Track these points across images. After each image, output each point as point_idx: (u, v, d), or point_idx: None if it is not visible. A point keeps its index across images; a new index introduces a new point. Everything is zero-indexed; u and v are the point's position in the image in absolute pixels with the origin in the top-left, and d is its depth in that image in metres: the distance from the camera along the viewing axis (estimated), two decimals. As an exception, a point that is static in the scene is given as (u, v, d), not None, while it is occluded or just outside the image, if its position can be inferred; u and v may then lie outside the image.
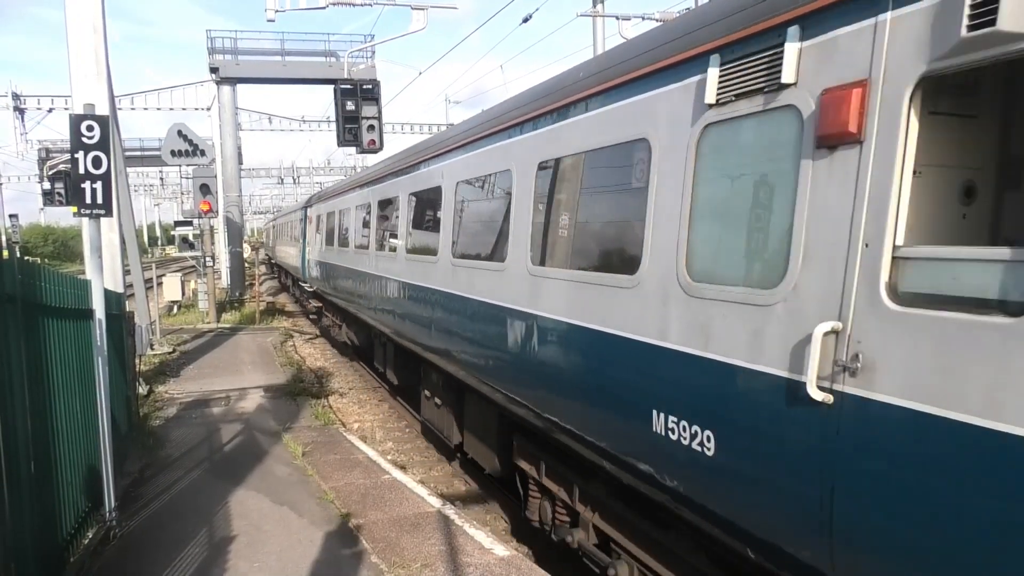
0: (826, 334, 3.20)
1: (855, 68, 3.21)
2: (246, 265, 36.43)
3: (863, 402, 3.07)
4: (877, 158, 3.08)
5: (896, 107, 3.01)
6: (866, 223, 3.10)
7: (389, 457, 10.08)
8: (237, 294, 30.40)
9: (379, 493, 7.93)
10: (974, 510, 2.66)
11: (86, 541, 6.34)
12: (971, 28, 2.66)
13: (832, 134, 3.25)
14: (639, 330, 4.62)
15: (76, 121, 6.47)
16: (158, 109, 38.85)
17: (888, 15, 3.07)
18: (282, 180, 70.50)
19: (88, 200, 6.52)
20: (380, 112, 15.06)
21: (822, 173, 3.33)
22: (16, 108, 38.87)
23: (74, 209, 6.64)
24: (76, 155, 6.46)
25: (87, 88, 13.25)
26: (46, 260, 53.09)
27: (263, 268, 51.00)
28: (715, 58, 3.96)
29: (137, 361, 12.29)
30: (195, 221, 23.05)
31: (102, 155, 6.50)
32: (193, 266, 27.04)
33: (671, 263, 4.32)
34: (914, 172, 3.06)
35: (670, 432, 4.27)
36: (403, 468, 9.52)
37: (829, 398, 3.20)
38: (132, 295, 16.59)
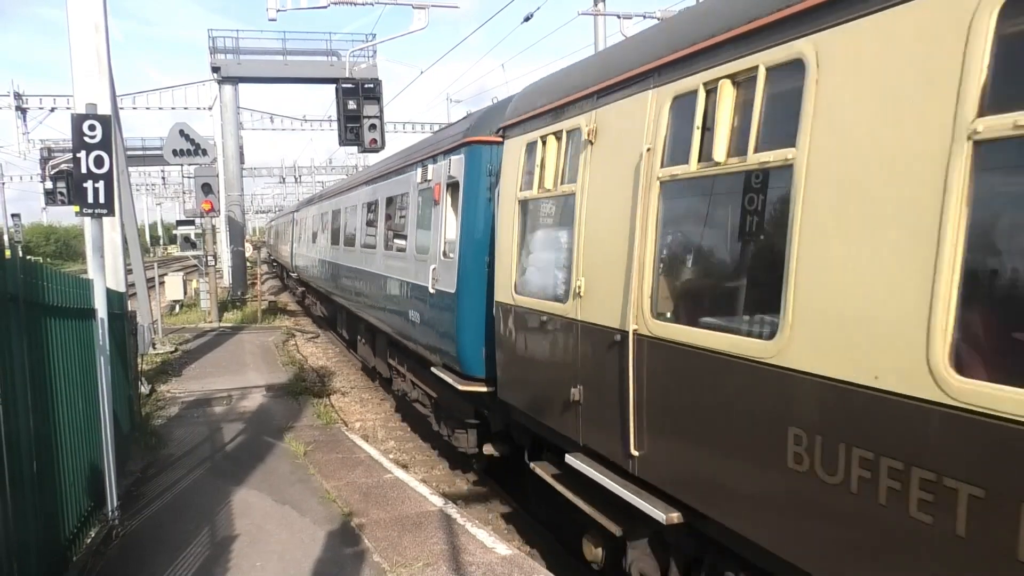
0: (433, 269, 8.87)
1: (440, 177, 8.95)
2: (248, 264, 36.45)
3: (438, 292, 8.73)
4: (444, 209, 8.76)
5: (444, 192, 8.78)
6: (442, 231, 8.76)
7: (391, 456, 10.09)
8: (239, 293, 30.41)
9: (381, 492, 7.94)
10: (430, 312, 9.22)
11: (88, 540, 6.35)
12: (450, 173, 8.68)
13: (435, 199, 9.03)
14: (406, 276, 10.45)
15: (78, 120, 6.48)
16: (160, 108, 38.95)
17: (441, 162, 8.99)
18: (284, 179, 70.61)
19: (90, 199, 6.52)
20: (381, 111, 15.07)
21: (437, 212, 8.96)
22: (18, 108, 38.93)
23: (76, 208, 6.65)
24: (78, 154, 6.46)
25: (89, 87, 13.26)
26: (48, 260, 53.10)
27: (264, 267, 51.03)
28: (420, 164, 9.93)
29: (139, 360, 12.31)
30: (197, 220, 23.03)
31: (104, 154, 6.51)
32: (195, 265, 27.06)
33: (413, 246, 10.13)
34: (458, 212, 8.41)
35: (412, 319, 10.03)
36: (405, 467, 9.53)
37: (434, 290, 8.84)
38: (134, 294, 16.61)
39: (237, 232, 32.73)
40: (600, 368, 5.21)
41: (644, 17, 19.01)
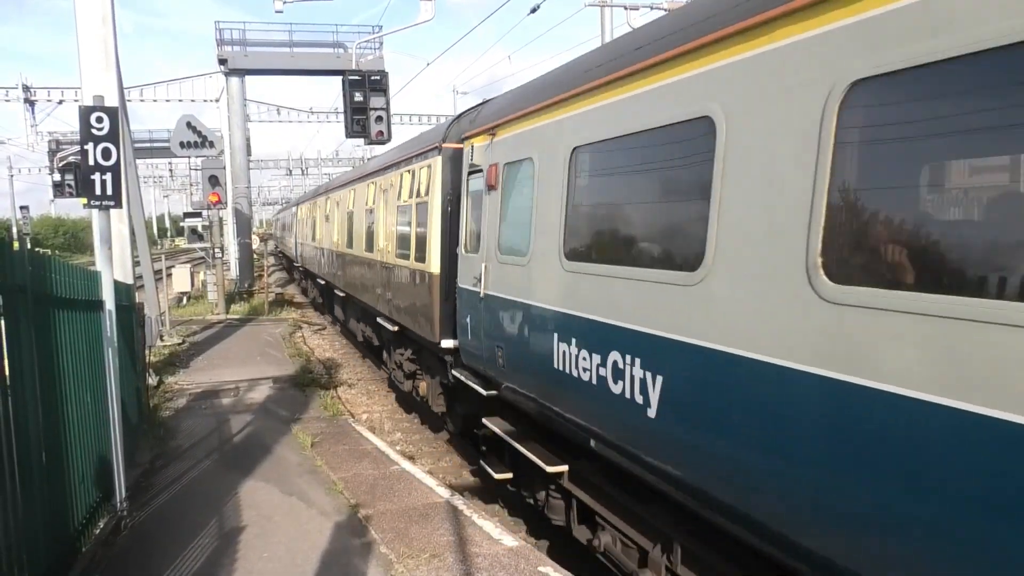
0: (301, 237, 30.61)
1: (295, 213, 35.09)
2: (255, 256, 36.55)
3: (302, 245, 30.49)
4: (293, 222, 35.82)
5: (294, 217, 33.74)
6: (293, 229, 34.94)
7: (398, 448, 10.11)
8: (246, 285, 30.49)
9: (388, 484, 7.96)
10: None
11: (97, 531, 6.39)
12: (293, 212, 36.02)
13: (294, 217, 34.50)
14: (294, 238, 33.36)
15: (85, 113, 6.48)
16: (167, 101, 39.04)
17: (290, 208, 40.62)
18: (291, 171, 70.60)
19: (98, 191, 6.53)
20: (388, 103, 15.06)
21: (293, 221, 35.75)
22: (27, 100, 39.05)
23: (84, 201, 6.66)
24: (86, 147, 6.47)
25: (96, 80, 13.28)
26: (57, 252, 53.36)
27: (271, 259, 51.16)
28: (291, 207, 41.22)
29: (147, 352, 12.36)
30: (204, 212, 23.12)
31: (111, 146, 6.51)
32: (202, 257, 27.15)
33: (294, 233, 33.49)
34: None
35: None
36: (412, 459, 9.55)
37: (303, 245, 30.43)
38: (142, 286, 16.65)
39: (244, 224, 32.78)
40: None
41: (651, 8, 18.86)
